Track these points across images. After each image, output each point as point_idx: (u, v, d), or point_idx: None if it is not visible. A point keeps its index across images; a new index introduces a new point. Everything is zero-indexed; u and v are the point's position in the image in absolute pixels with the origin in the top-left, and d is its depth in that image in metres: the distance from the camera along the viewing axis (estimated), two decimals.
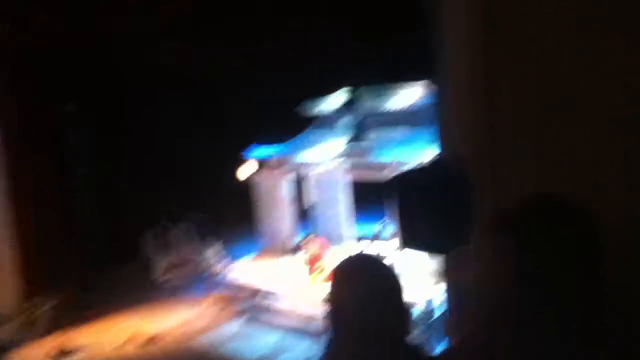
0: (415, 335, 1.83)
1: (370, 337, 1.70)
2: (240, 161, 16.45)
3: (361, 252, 2.36)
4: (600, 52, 1.94)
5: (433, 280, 11.40)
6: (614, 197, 1.94)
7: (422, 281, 11.54)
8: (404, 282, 1.83)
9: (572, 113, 2.03)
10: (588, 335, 1.65)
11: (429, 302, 11.56)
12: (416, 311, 10.93)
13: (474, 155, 2.41)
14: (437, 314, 11.34)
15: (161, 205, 18.60)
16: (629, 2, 1.83)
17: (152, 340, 13.79)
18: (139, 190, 19.54)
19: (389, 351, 1.71)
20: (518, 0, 2.14)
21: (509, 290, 1.84)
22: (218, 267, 15.91)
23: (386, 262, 1.94)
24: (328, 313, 1.82)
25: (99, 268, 17.03)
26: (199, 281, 17.09)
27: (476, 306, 2.36)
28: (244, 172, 16.40)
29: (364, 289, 1.75)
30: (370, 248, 14.26)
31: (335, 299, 1.79)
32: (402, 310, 1.78)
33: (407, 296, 1.82)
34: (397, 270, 1.86)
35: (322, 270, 14.01)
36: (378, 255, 2.29)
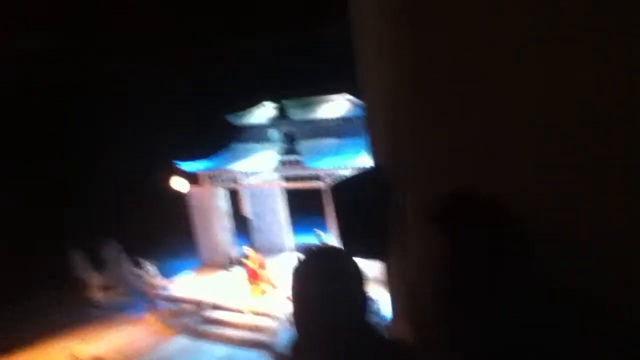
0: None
1: (333, 327, 1.74)
2: (172, 173, 16.18)
3: (319, 246, 2.39)
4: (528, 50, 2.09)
5: (374, 285, 11.63)
6: (537, 195, 2.11)
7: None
8: (363, 269, 1.87)
9: (491, 113, 2.19)
10: (524, 317, 1.82)
11: (376, 302, 11.80)
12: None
13: (395, 159, 2.53)
14: (384, 314, 11.60)
15: (86, 225, 18.07)
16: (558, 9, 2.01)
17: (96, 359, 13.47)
18: (60, 209, 18.89)
19: (350, 337, 1.76)
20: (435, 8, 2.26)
21: (447, 278, 2.01)
22: (155, 284, 15.58)
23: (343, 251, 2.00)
24: (293, 310, 1.82)
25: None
26: (136, 299, 16.71)
27: (415, 305, 2.52)
28: (176, 184, 16.15)
29: (326, 279, 1.77)
30: None
31: (299, 294, 1.80)
32: (363, 297, 1.84)
33: (366, 283, 1.87)
34: (353, 257, 1.92)
35: (265, 280, 14.01)
36: (335, 247, 2.35)
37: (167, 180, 16.57)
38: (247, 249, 14.56)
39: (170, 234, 19.01)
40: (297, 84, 16.94)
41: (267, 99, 16.16)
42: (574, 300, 1.91)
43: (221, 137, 17.05)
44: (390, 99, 2.48)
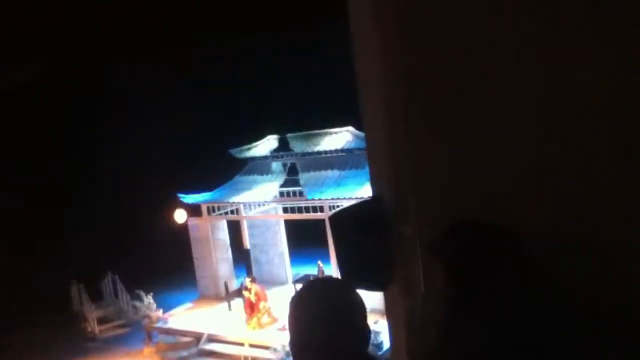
0: None
1: (333, 358, 1.71)
2: (174, 207, 16.20)
3: (319, 277, 2.34)
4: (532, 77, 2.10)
5: (373, 318, 11.55)
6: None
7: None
8: (364, 301, 1.83)
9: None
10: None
11: (377, 334, 11.69)
12: None
13: (396, 191, 2.52)
14: (384, 346, 11.52)
15: (85, 257, 17.98)
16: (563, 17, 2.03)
17: None
18: (58, 243, 18.82)
19: None
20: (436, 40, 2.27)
21: (448, 312, 1.98)
22: (152, 317, 15.42)
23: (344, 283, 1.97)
24: (289, 338, 1.79)
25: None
26: (133, 332, 16.54)
27: (416, 337, 2.47)
28: (178, 217, 16.14)
29: (325, 311, 1.74)
30: None
31: (296, 322, 1.78)
32: (362, 327, 1.79)
33: (365, 314, 1.83)
34: (357, 290, 1.88)
35: (264, 312, 13.89)
36: (336, 278, 2.30)
37: (167, 212, 16.57)
38: (247, 281, 14.45)
39: (169, 265, 18.91)
40: (301, 117, 17.07)
41: (270, 129, 16.27)
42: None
43: (224, 170, 17.13)
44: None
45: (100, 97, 19.43)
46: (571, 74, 2.02)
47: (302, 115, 17.11)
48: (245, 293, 14.20)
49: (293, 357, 1.81)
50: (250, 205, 16.30)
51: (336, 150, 15.00)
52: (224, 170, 17.14)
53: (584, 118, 2.03)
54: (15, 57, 17.85)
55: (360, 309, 1.81)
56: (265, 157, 16.37)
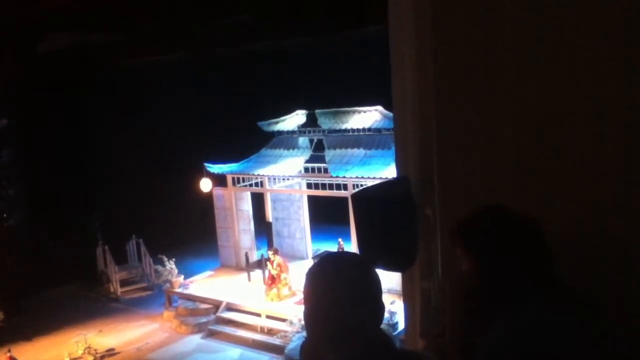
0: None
1: (347, 333, 1.70)
2: (200, 176, 16.34)
3: (337, 251, 2.35)
4: (550, 71, 2.08)
5: (389, 298, 11.61)
6: (560, 212, 2.09)
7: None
8: (381, 277, 1.82)
9: (517, 131, 2.17)
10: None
11: (392, 315, 11.76)
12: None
13: (421, 173, 2.52)
14: (399, 327, 11.59)
15: (111, 221, 18.27)
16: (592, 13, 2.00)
17: (109, 352, 13.68)
18: (83, 207, 19.15)
19: (364, 345, 1.72)
20: (466, 27, 2.26)
21: (465, 297, 1.98)
22: (174, 282, 15.71)
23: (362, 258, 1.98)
24: (304, 310, 1.79)
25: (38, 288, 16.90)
26: (154, 296, 16.89)
27: (431, 320, 2.49)
28: (204, 186, 16.29)
29: (340, 285, 1.73)
30: None
31: (312, 297, 1.77)
32: (377, 304, 1.78)
33: (381, 292, 1.82)
34: (373, 266, 1.87)
35: (285, 284, 14.04)
36: (354, 253, 2.29)
37: (194, 180, 16.72)
38: (269, 253, 14.58)
39: (192, 233, 19.17)
40: (329, 94, 16.95)
41: (299, 106, 16.23)
42: (573, 300, 1.87)
43: (251, 142, 17.17)
44: (420, 106, 2.48)
45: (133, 69, 19.51)
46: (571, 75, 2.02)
47: (331, 93, 16.97)
48: (268, 265, 14.33)
49: (306, 329, 1.82)
50: (274, 179, 16.38)
51: (364, 129, 14.94)
52: (252, 142, 17.18)
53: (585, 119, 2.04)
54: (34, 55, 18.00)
55: (376, 286, 1.81)
56: (292, 132, 16.37)
